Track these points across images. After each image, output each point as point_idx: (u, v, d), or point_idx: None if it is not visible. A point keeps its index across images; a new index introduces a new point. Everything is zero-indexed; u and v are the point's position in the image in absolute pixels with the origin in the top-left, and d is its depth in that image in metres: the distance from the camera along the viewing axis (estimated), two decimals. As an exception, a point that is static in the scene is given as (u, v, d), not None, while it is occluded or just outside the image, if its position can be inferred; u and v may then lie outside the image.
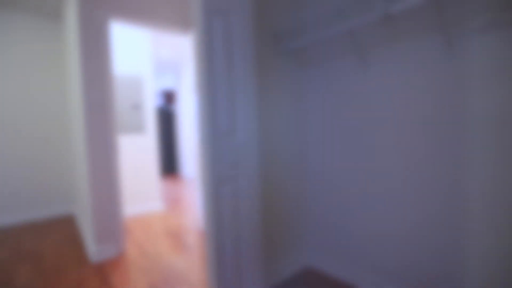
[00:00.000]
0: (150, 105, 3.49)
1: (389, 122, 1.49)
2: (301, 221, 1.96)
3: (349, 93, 1.68)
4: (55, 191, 3.55)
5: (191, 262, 2.12)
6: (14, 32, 3.28)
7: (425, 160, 1.35)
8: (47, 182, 3.50)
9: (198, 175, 2.74)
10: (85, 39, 2.14)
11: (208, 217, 1.25)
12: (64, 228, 3.02)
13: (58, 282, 1.90)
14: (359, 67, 1.62)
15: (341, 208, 1.78)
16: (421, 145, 1.36)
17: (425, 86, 1.34)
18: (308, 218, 2.00)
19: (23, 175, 3.34)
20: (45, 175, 3.48)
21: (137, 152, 3.38)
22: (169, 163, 6.65)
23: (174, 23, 2.60)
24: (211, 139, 1.22)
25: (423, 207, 1.37)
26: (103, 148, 2.23)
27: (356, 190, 1.68)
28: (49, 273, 2.03)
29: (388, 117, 1.49)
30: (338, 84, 1.74)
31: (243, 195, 1.34)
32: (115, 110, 2.30)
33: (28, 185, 3.37)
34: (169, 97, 6.56)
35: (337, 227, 1.81)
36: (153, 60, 3.52)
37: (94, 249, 2.20)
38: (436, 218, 1.33)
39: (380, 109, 1.53)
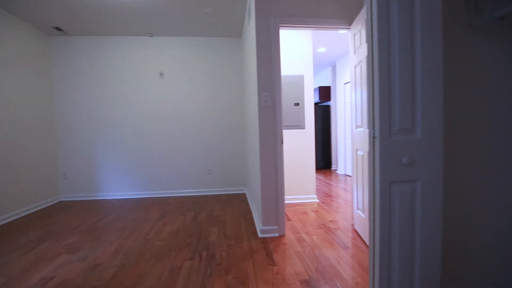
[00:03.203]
0: (309, 102, 3.67)
1: None
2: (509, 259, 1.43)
3: None
4: (233, 174, 4.47)
5: (344, 259, 2.07)
6: (210, 50, 4.36)
7: None
8: (228, 167, 4.45)
9: (354, 173, 2.62)
10: (260, 48, 2.52)
11: (373, 219, 1.16)
12: (239, 204, 3.75)
13: (236, 245, 2.38)
14: None
15: None
16: None
17: None
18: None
19: (213, 162, 4.42)
20: (227, 163, 4.44)
21: (297, 146, 3.66)
22: (323, 158, 6.79)
23: (337, 18, 2.58)
24: (383, 135, 1.11)
25: None
26: (271, 141, 2.57)
27: None
28: (230, 236, 2.58)
29: None
30: None
31: (420, 202, 1.14)
32: (281, 108, 2.57)
33: (216, 169, 4.43)
34: (324, 93, 6.67)
35: None
36: (311, 59, 3.68)
37: (260, 227, 2.59)
38: None
39: None
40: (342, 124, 6.06)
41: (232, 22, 3.80)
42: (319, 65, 6.44)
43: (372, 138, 1.15)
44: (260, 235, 2.59)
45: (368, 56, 1.17)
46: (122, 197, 4.32)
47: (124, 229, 2.89)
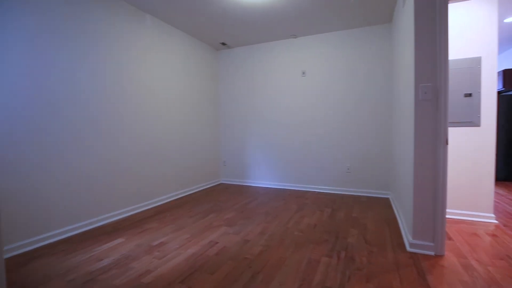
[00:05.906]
0: (488, 91, 2.80)
1: None
2: None
3: None
4: (375, 176, 4.07)
5: (550, 314, 1.46)
6: (352, 43, 4.10)
7: None
8: (370, 168, 4.10)
9: None
10: (419, 30, 2.13)
11: None
12: (381, 209, 3.39)
13: (379, 253, 2.16)
14: None
15: None
16: None
17: None
18: None
19: (352, 161, 4.18)
20: (368, 163, 4.10)
21: (467, 148, 2.89)
22: (506, 167, 5.06)
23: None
24: None
25: None
26: (431, 141, 2.14)
27: None
28: (371, 242, 2.37)
29: None
30: None
31: None
32: (447, 101, 2.09)
33: (356, 168, 4.18)
34: (511, 79, 4.91)
35: None
36: (496, 34, 2.76)
37: (410, 240, 2.24)
38: None
39: None
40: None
41: (380, 8, 3.42)
42: (505, 40, 4.80)
43: None
44: (408, 248, 2.23)
45: None
46: (265, 186, 4.85)
47: (267, 214, 3.23)
